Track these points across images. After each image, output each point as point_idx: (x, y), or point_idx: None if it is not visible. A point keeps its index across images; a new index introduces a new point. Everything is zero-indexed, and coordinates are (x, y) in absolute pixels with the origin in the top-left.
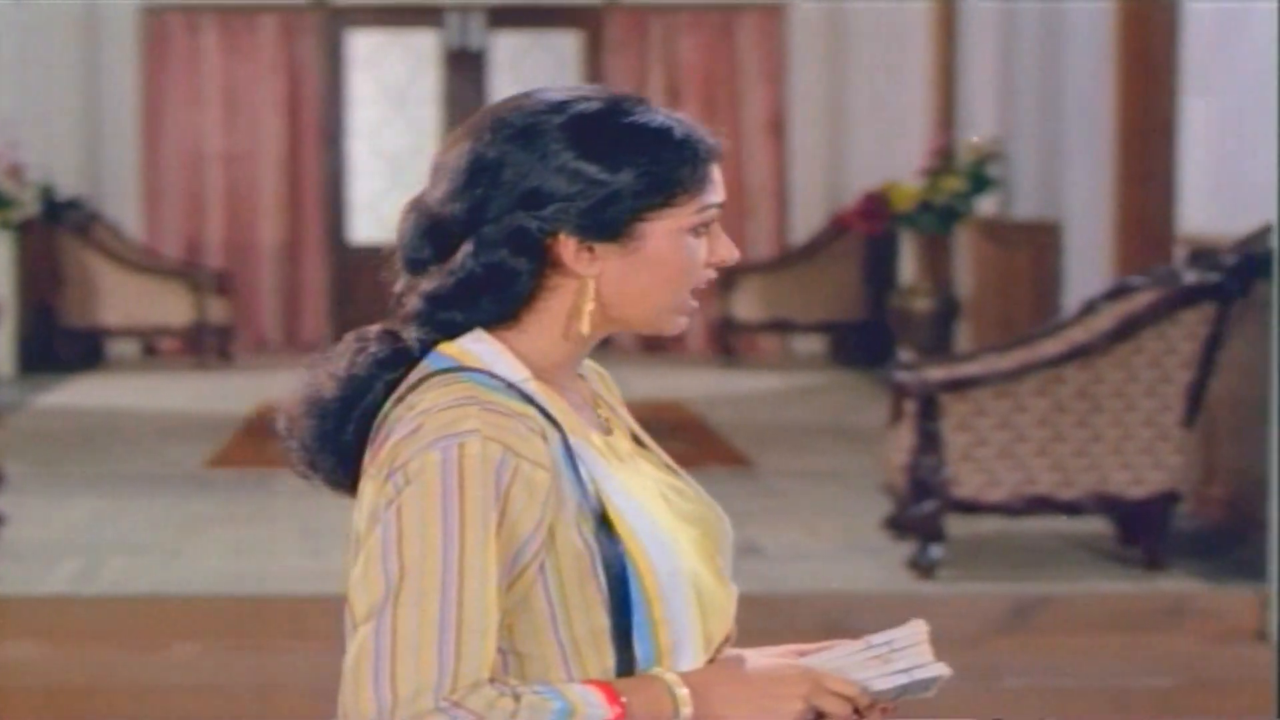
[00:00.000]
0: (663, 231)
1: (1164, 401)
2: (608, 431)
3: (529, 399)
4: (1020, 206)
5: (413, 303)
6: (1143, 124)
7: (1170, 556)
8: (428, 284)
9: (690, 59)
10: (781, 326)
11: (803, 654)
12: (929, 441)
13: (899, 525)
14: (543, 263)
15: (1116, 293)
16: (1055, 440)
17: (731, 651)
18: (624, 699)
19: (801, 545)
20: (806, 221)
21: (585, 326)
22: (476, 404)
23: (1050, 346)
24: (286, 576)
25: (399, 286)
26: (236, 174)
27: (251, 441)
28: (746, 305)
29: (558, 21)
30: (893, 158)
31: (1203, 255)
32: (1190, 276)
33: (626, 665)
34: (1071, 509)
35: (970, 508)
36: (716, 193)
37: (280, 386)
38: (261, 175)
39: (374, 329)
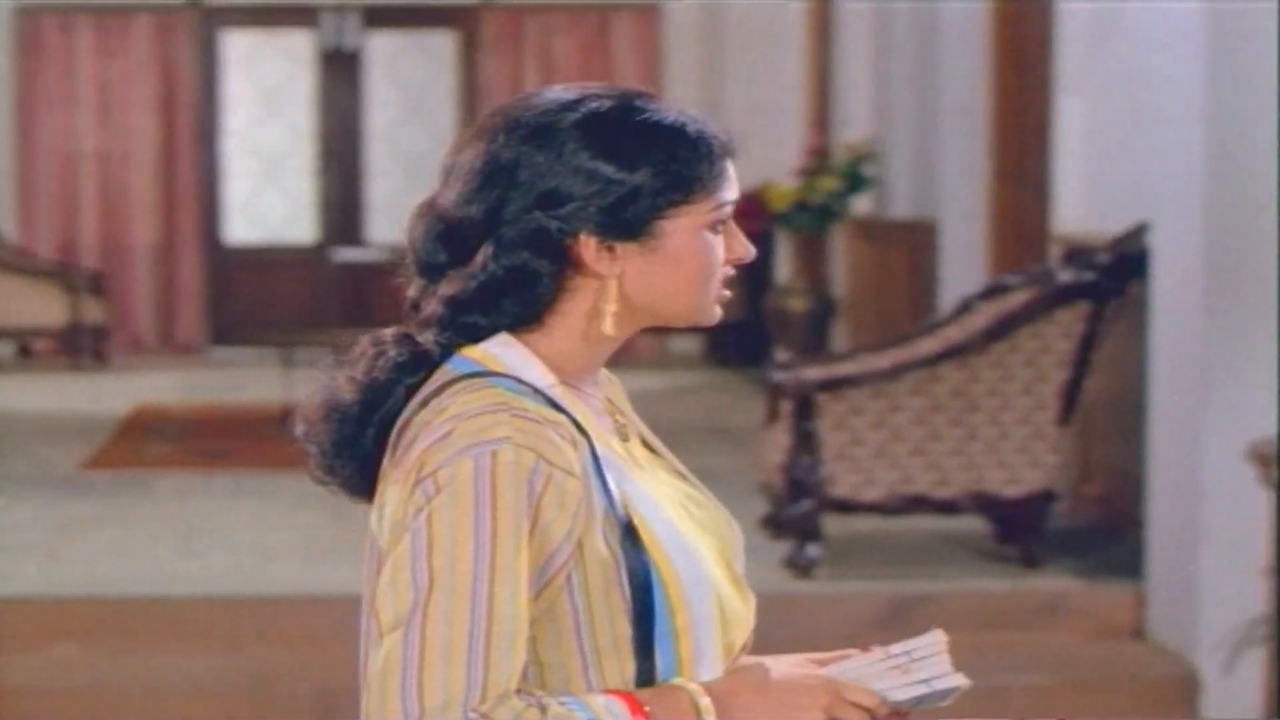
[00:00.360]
0: (683, 229)
1: (1040, 400)
2: (625, 438)
3: (556, 405)
4: (896, 206)
5: (431, 307)
6: (1017, 123)
7: (1047, 554)
8: (447, 288)
9: (566, 58)
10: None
11: (821, 663)
12: (805, 441)
13: (775, 525)
14: (564, 263)
15: (992, 292)
16: (931, 439)
17: (748, 660)
18: (647, 709)
19: None
20: None
21: (609, 328)
22: (508, 410)
23: (926, 346)
24: (165, 578)
25: (412, 291)
26: (111, 174)
27: (128, 443)
28: None
29: (433, 21)
30: (768, 157)
31: (1077, 254)
32: (1065, 275)
33: (647, 674)
34: (948, 508)
35: (847, 507)
36: (733, 189)
37: (155, 387)
38: (136, 175)
39: (389, 332)
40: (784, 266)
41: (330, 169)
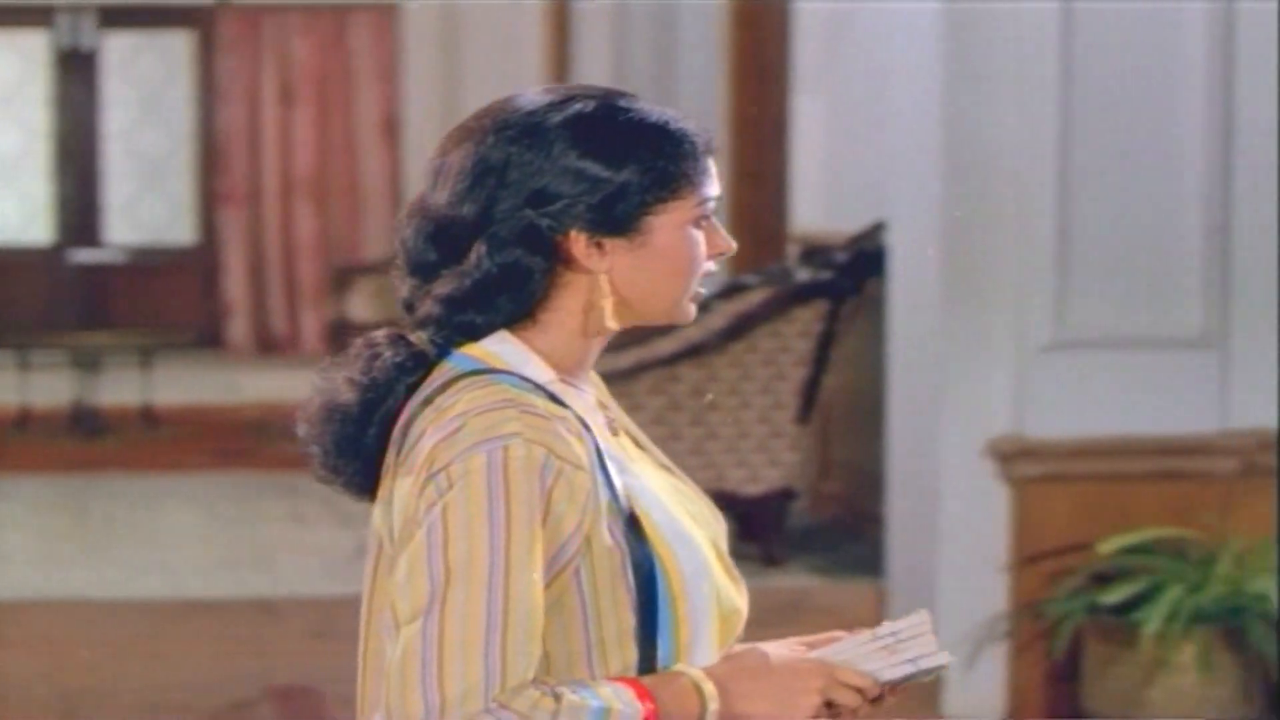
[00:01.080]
0: (669, 225)
1: (778, 399)
2: (615, 433)
3: (558, 401)
4: None
5: (426, 307)
6: (755, 122)
7: (788, 553)
8: (442, 287)
9: (303, 59)
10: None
11: (810, 646)
12: None
13: None
14: (554, 260)
15: (730, 291)
16: (671, 438)
17: (741, 645)
18: (654, 695)
19: None
20: None
21: (610, 321)
22: (515, 406)
23: (665, 345)
24: None
25: (404, 292)
26: None
27: None
28: (361, 306)
29: (169, 22)
30: None
31: (815, 253)
32: (803, 274)
33: (648, 662)
34: None
35: None
36: (715, 185)
37: None
38: None
39: (381, 333)
40: None
41: (66, 170)
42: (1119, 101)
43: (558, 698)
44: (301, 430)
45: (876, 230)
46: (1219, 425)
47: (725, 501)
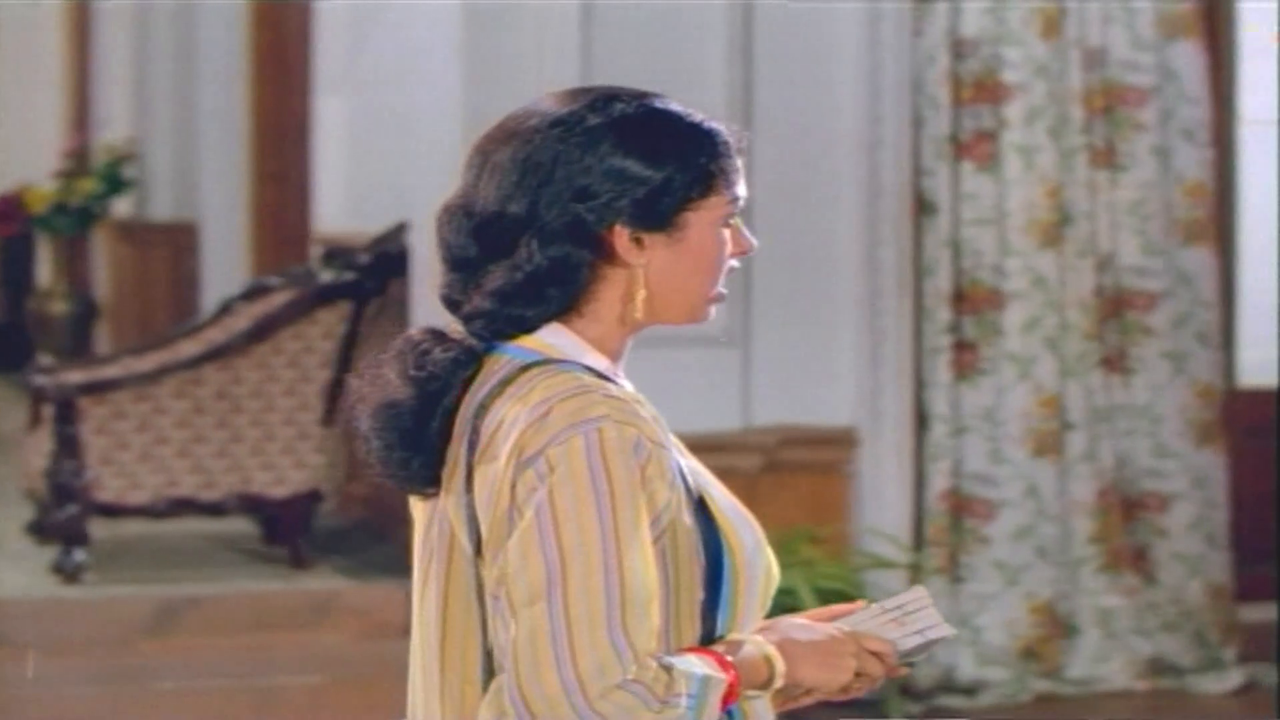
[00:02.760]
0: (703, 221)
1: (303, 400)
2: None
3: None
4: (156, 207)
5: (476, 301)
6: (277, 123)
7: (315, 554)
8: (492, 282)
9: None
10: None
11: (829, 618)
12: (68, 445)
13: (41, 530)
14: (599, 254)
15: (253, 293)
16: (196, 441)
17: (776, 617)
18: (730, 660)
19: None
20: None
21: (640, 312)
22: (596, 391)
23: (188, 347)
24: None
25: (443, 288)
26: None
27: None
28: None
29: None
30: (28, 159)
31: (338, 254)
32: (326, 275)
33: (709, 634)
34: (215, 510)
35: (113, 511)
36: (744, 186)
37: None
38: None
39: (419, 331)
40: (45, 270)
41: None
42: None
43: (669, 669)
44: (362, 427)
45: (399, 231)
46: (742, 422)
47: (251, 504)
